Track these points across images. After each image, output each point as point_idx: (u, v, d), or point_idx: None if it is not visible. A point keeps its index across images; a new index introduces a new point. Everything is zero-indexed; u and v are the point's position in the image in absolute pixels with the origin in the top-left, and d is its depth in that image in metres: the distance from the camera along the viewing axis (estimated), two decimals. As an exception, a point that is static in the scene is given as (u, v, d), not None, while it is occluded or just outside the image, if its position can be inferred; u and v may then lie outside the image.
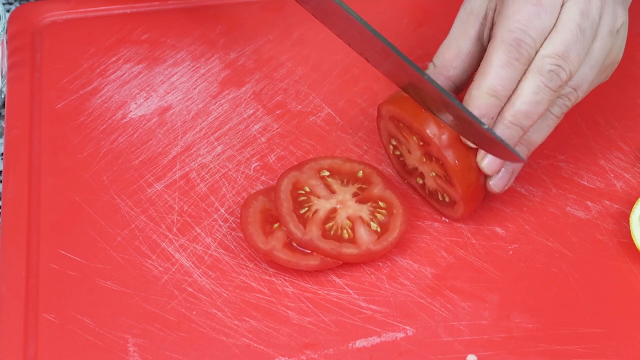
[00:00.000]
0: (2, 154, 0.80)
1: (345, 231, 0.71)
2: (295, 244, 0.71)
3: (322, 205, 0.72)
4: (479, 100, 0.68)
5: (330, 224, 0.71)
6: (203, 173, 0.77)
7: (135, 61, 0.83)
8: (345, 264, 0.71)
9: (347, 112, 0.80)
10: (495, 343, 0.68)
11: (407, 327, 0.69)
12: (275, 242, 0.71)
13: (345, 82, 0.82)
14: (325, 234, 0.71)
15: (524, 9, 0.68)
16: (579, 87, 0.70)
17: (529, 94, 0.68)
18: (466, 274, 0.71)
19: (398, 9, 0.87)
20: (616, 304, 0.70)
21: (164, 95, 0.81)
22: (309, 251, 0.71)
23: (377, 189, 0.73)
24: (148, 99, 0.81)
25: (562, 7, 0.69)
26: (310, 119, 0.80)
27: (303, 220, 0.71)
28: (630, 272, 0.72)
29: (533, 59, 0.68)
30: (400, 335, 0.69)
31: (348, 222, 0.72)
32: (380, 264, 0.72)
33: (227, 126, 0.79)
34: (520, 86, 0.68)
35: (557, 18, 0.69)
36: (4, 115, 0.82)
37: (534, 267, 0.72)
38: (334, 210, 0.72)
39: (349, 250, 0.70)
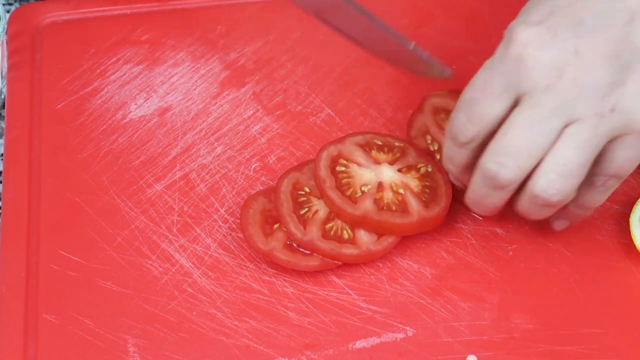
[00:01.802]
0: (2, 154, 0.80)
1: (345, 232, 0.71)
2: (295, 245, 0.71)
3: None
4: (471, 195, 0.69)
5: (331, 224, 0.71)
6: (203, 174, 0.77)
7: (135, 62, 0.83)
8: (345, 265, 0.71)
9: (347, 112, 0.80)
10: (495, 343, 0.68)
11: (407, 328, 0.69)
12: (275, 243, 0.71)
13: (345, 83, 0.82)
14: (325, 235, 0.71)
15: (467, 92, 0.66)
16: (558, 187, 0.64)
17: (474, 187, 0.67)
18: (466, 275, 0.71)
19: (398, 9, 0.87)
20: (616, 305, 0.70)
21: (164, 95, 0.81)
22: (308, 252, 0.71)
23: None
24: (148, 99, 0.81)
25: (519, 96, 0.64)
26: (310, 120, 0.80)
27: (303, 221, 0.71)
28: (630, 273, 0.72)
29: None
30: (400, 335, 0.69)
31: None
32: (380, 264, 0.72)
33: (227, 127, 0.79)
34: (472, 177, 0.67)
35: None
36: (3, 116, 0.82)
37: (534, 268, 0.72)
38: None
39: (349, 250, 0.70)
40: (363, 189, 0.72)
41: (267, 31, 0.85)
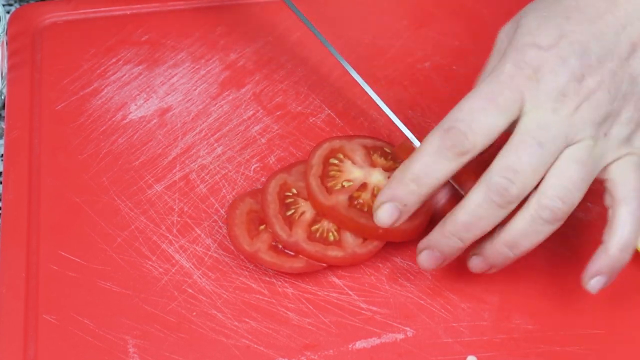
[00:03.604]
0: (2, 155, 0.80)
1: (331, 234, 0.71)
2: (280, 246, 0.71)
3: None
4: (395, 182, 0.67)
5: (317, 226, 0.71)
6: (203, 174, 0.77)
7: (136, 62, 0.83)
8: (345, 265, 0.71)
9: (347, 113, 0.80)
10: (495, 344, 0.68)
11: (407, 328, 0.69)
12: (261, 244, 0.71)
13: (345, 84, 0.82)
14: (310, 237, 0.71)
15: (472, 101, 0.66)
16: (564, 198, 0.65)
17: (472, 205, 0.65)
18: (466, 275, 0.71)
19: (398, 10, 0.87)
20: (616, 305, 0.70)
21: (164, 96, 0.81)
22: (293, 253, 0.70)
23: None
24: (148, 100, 0.81)
25: (520, 115, 0.65)
26: (310, 120, 0.80)
27: (289, 222, 0.71)
28: (630, 273, 0.72)
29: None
30: (400, 336, 0.69)
31: (334, 225, 0.71)
32: (380, 265, 0.72)
33: (227, 127, 0.79)
34: (468, 196, 0.66)
35: (515, 125, 0.65)
36: (4, 117, 0.82)
37: (534, 268, 0.72)
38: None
39: (334, 252, 0.70)
40: (344, 184, 0.72)
41: (268, 32, 0.85)
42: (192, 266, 0.72)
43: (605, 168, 0.67)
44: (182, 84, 0.82)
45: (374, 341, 0.69)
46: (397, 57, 0.84)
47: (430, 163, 0.66)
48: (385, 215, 0.68)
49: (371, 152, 0.74)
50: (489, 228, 0.66)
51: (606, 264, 0.66)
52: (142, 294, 0.70)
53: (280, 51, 0.84)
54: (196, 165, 0.77)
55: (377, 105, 0.73)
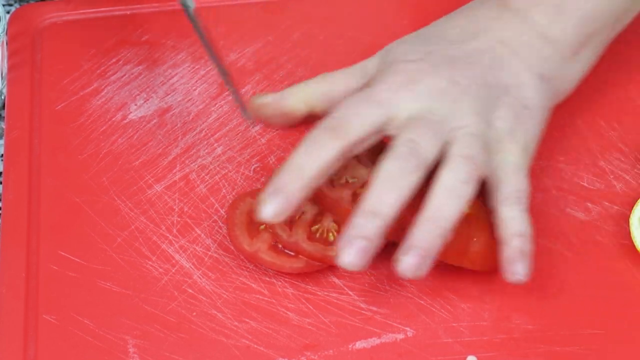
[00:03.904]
0: (2, 155, 0.80)
1: (331, 234, 0.71)
2: (280, 246, 0.71)
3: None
4: (280, 171, 0.67)
5: (317, 226, 0.71)
6: (203, 174, 0.77)
7: (135, 62, 0.83)
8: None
9: (347, 113, 0.80)
10: (495, 344, 0.68)
11: (407, 329, 0.69)
12: (261, 244, 0.71)
13: (345, 84, 0.82)
14: (311, 237, 0.71)
15: (347, 100, 0.70)
16: (470, 155, 0.68)
17: (383, 174, 0.67)
18: (466, 275, 0.71)
19: (398, 10, 0.87)
20: (616, 306, 0.70)
21: (164, 96, 0.81)
22: (293, 254, 0.70)
23: None
24: (148, 100, 0.81)
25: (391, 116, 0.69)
26: (310, 121, 0.80)
27: (289, 222, 0.71)
28: (630, 274, 0.72)
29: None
30: (400, 336, 0.69)
31: (334, 225, 0.71)
32: (380, 265, 0.72)
33: (227, 127, 0.79)
34: (375, 172, 0.67)
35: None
36: (4, 117, 0.82)
37: (534, 268, 0.72)
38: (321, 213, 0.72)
39: (334, 252, 0.70)
40: (349, 179, 0.72)
41: (268, 32, 0.85)
42: (192, 266, 0.72)
43: (490, 162, 0.69)
44: (182, 84, 0.82)
45: (374, 341, 0.69)
46: (397, 57, 0.84)
47: (310, 151, 0.67)
48: (269, 210, 0.66)
49: (377, 152, 0.74)
50: (403, 197, 0.66)
51: (515, 253, 0.68)
52: (142, 294, 0.70)
53: (280, 51, 0.84)
54: (196, 166, 0.77)
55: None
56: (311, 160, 0.67)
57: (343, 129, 0.68)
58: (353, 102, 0.70)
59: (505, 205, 0.69)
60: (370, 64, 0.74)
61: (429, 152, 0.68)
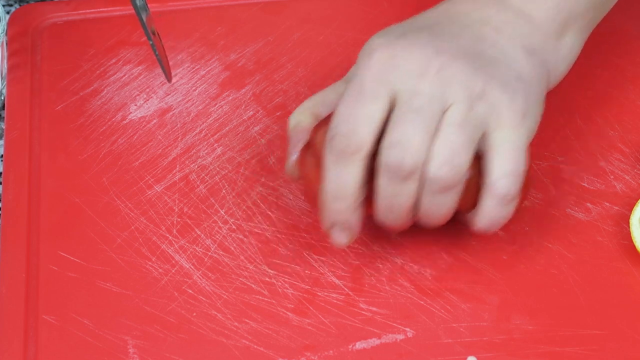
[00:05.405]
0: (2, 155, 0.80)
1: None
2: None
3: None
4: (323, 209, 0.68)
5: None
6: (203, 175, 0.77)
7: (135, 63, 0.83)
8: (345, 265, 0.71)
9: (347, 113, 0.80)
10: (495, 345, 0.68)
11: (407, 329, 0.69)
12: None
13: (345, 84, 0.82)
14: None
15: (343, 104, 0.67)
16: (450, 164, 0.66)
17: (381, 190, 0.66)
18: (466, 276, 0.71)
19: (398, 10, 0.87)
20: (616, 306, 0.70)
21: (163, 96, 0.81)
22: None
23: None
24: (148, 100, 0.81)
25: (393, 96, 0.66)
26: (310, 121, 0.80)
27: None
28: (630, 274, 0.72)
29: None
30: (400, 337, 0.69)
31: None
32: (380, 265, 0.72)
33: (227, 128, 0.79)
34: (374, 184, 0.67)
35: (392, 106, 0.67)
36: (3, 117, 0.82)
37: (534, 269, 0.72)
38: None
39: None
40: None
41: (268, 32, 0.85)
42: (192, 267, 0.72)
43: (484, 138, 0.67)
44: (182, 84, 0.82)
45: (374, 342, 0.69)
46: (397, 58, 0.84)
47: (337, 176, 0.66)
48: (339, 239, 0.68)
49: None
50: (408, 203, 0.66)
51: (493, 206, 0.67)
52: (142, 295, 0.70)
53: (280, 51, 0.84)
54: (196, 166, 0.77)
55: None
56: (344, 187, 0.66)
57: (355, 139, 0.66)
58: (348, 104, 0.67)
59: (490, 197, 0.67)
60: (350, 72, 0.72)
61: (416, 158, 0.65)
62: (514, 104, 0.67)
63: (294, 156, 0.71)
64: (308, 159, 0.70)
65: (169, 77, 0.77)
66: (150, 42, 0.73)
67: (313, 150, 0.69)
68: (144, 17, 0.73)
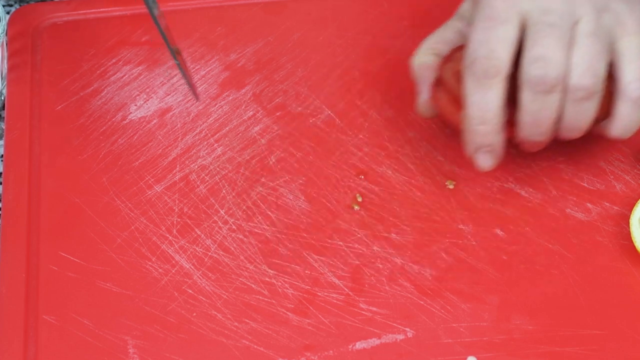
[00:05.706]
0: (2, 155, 0.80)
1: None
2: None
3: None
4: (468, 133, 0.71)
5: None
6: (203, 175, 0.77)
7: (135, 63, 0.83)
8: (345, 265, 0.71)
9: (347, 113, 0.80)
10: (495, 345, 0.68)
11: (407, 329, 0.69)
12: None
13: (345, 84, 0.82)
14: None
15: (476, 31, 0.70)
16: (590, 72, 0.69)
17: (526, 105, 0.69)
18: (466, 276, 0.71)
19: (398, 10, 0.87)
20: (616, 306, 0.70)
21: (163, 97, 0.81)
22: None
23: None
24: (148, 100, 0.81)
25: (524, 17, 0.69)
26: (310, 121, 0.80)
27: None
28: (630, 274, 0.72)
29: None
30: (400, 337, 0.69)
31: None
32: (380, 265, 0.72)
33: (227, 128, 0.79)
34: (519, 100, 0.69)
35: (523, 26, 0.70)
36: (4, 117, 0.82)
37: (534, 269, 0.72)
38: None
39: None
40: None
41: (267, 32, 0.85)
42: (192, 267, 0.72)
43: (613, 46, 0.70)
44: (182, 84, 0.82)
45: (374, 342, 0.69)
46: (397, 57, 0.84)
47: (480, 100, 0.69)
48: (485, 163, 0.72)
49: None
50: (554, 115, 0.70)
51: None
52: (142, 295, 0.70)
53: (280, 51, 0.84)
54: (196, 166, 0.77)
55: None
56: (489, 108, 0.69)
57: (495, 62, 0.69)
58: (483, 30, 0.70)
59: (624, 101, 0.70)
60: (461, 9, 0.76)
61: (558, 70, 0.68)
62: (635, 12, 0.71)
63: (425, 95, 0.75)
64: (441, 94, 0.73)
65: (196, 95, 0.79)
66: (176, 62, 0.74)
67: (444, 86, 0.73)
68: (155, 13, 0.72)
